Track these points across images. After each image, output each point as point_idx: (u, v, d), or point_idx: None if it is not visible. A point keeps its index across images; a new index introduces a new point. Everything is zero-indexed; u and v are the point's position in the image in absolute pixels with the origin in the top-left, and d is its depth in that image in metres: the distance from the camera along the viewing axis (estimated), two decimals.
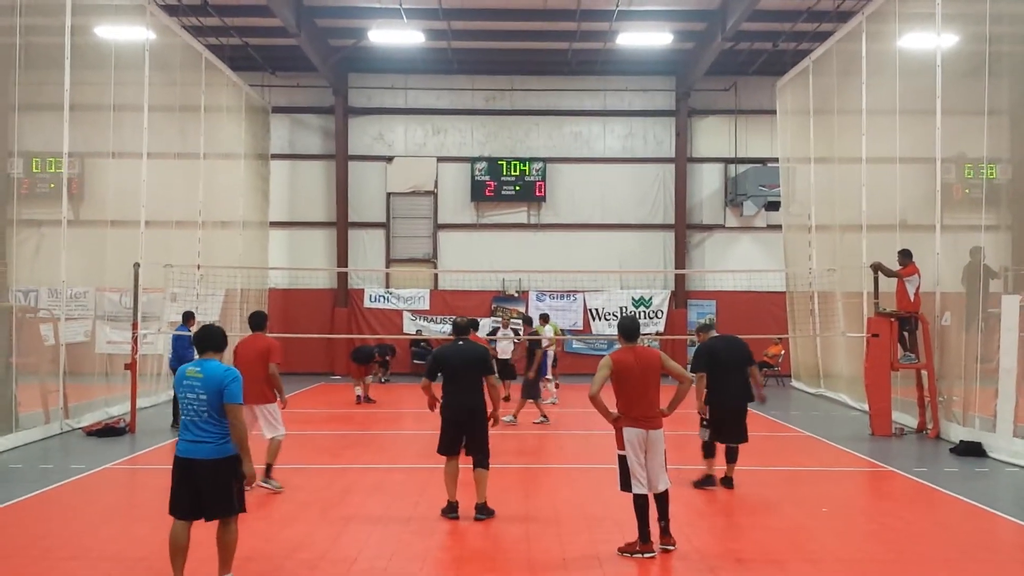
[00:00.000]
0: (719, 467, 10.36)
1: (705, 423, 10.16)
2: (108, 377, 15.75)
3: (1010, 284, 13.51)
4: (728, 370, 10.04)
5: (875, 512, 9.79)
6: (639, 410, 7.61)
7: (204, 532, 6.74)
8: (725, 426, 10.11)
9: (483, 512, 8.69)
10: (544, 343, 16.89)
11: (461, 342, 9.01)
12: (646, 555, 7.45)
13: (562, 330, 20.94)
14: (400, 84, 25.58)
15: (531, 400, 15.63)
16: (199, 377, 6.43)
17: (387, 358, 21.93)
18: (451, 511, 8.71)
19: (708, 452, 10.28)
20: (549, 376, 17.77)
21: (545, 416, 15.64)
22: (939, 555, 7.78)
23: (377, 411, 17.48)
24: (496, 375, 9.07)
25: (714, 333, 10.45)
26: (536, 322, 18.39)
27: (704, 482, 10.21)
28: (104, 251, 16.09)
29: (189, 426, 6.44)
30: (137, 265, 14.93)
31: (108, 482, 10.87)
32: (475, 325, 9.44)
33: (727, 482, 10.25)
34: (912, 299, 14.30)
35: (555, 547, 7.82)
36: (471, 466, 8.83)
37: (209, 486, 6.37)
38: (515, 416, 15.44)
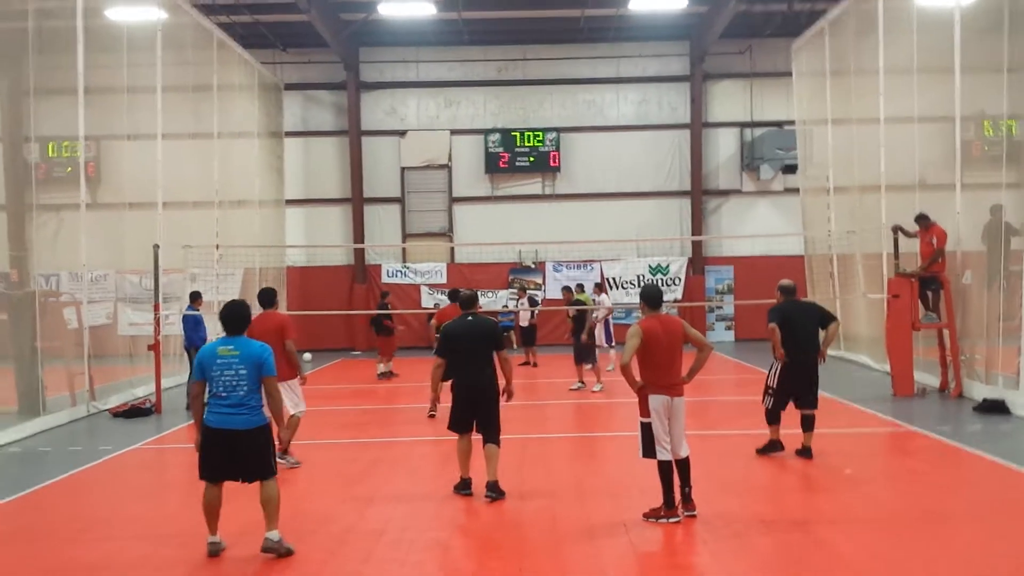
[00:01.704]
0: (784, 432, 10.09)
1: (770, 391, 9.99)
2: (132, 358, 15.94)
3: None
4: (797, 333, 9.82)
5: (899, 472, 9.80)
6: (667, 378, 7.63)
7: (234, 506, 6.84)
8: (794, 389, 9.87)
9: (494, 491, 8.40)
10: (603, 312, 17.25)
11: (470, 317, 8.69)
12: (671, 520, 7.50)
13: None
14: (411, 57, 25.48)
15: (588, 365, 15.76)
16: (235, 354, 6.79)
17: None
18: (464, 487, 8.55)
19: (772, 419, 10.04)
20: (604, 344, 17.68)
21: (600, 382, 15.80)
22: (965, 512, 7.77)
23: (399, 385, 17.58)
24: (504, 351, 8.68)
25: (792, 298, 10.17)
26: (590, 291, 18.59)
27: (768, 448, 10.03)
28: (123, 233, 16.21)
29: (224, 399, 6.73)
30: (156, 246, 15.00)
31: (136, 462, 11.01)
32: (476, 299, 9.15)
33: (805, 452, 9.86)
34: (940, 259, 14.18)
35: (580, 515, 7.86)
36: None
37: (250, 452, 6.78)
38: (600, 382, 15.71)
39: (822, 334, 10.12)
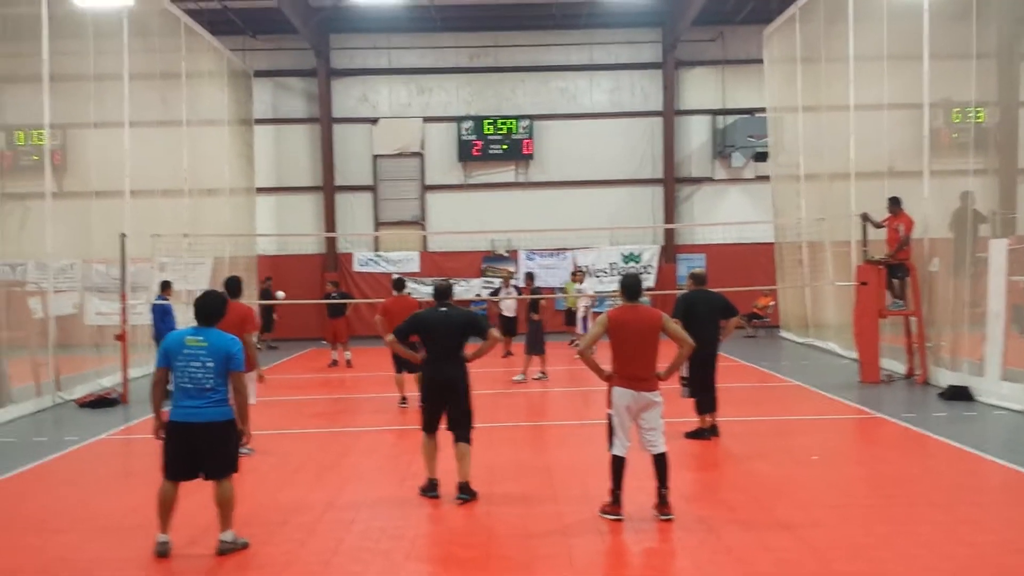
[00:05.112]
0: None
1: (685, 382, 10.30)
2: (99, 348, 15.74)
3: (998, 228, 13.52)
4: (702, 324, 10.01)
5: (865, 458, 9.90)
6: (631, 370, 7.31)
7: (197, 502, 6.77)
8: (702, 375, 10.27)
9: (465, 492, 7.98)
10: (585, 300, 18.15)
11: (444, 308, 8.20)
12: (612, 517, 7.28)
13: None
14: (383, 44, 25.30)
15: (537, 355, 15.87)
16: (204, 345, 6.60)
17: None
18: (431, 489, 8.11)
19: (701, 409, 10.40)
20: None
21: (544, 372, 15.99)
22: (928, 498, 7.85)
23: (369, 375, 17.50)
24: (492, 329, 8.24)
25: (701, 287, 10.57)
26: (568, 280, 19.47)
27: (696, 433, 10.35)
28: (90, 222, 15.99)
29: (191, 393, 6.57)
30: (123, 235, 14.82)
31: (102, 453, 10.89)
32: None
33: (713, 430, 10.48)
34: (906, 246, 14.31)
35: (551, 505, 7.85)
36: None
37: (214, 448, 6.61)
38: (524, 374, 15.75)
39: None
